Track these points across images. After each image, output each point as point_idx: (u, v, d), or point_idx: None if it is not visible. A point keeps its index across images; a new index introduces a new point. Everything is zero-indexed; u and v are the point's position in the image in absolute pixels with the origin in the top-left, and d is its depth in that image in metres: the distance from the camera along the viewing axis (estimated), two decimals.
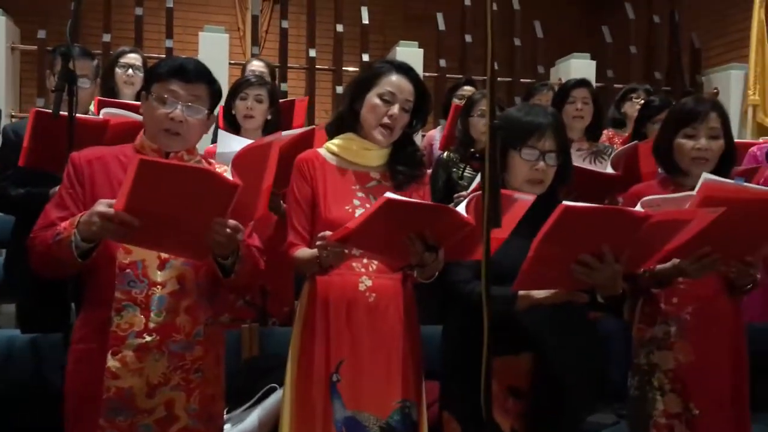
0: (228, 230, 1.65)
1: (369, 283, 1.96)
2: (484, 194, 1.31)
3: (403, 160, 2.07)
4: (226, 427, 2.11)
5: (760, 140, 3.70)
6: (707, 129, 2.11)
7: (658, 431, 2.05)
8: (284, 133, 2.43)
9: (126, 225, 1.59)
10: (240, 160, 1.99)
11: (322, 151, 2.09)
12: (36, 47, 5.21)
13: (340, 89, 5.65)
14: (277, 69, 5.73)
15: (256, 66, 3.93)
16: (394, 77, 2.03)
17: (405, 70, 2.06)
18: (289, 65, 5.93)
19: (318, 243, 1.81)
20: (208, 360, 1.83)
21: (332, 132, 2.12)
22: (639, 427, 2.11)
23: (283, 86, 5.50)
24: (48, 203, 1.83)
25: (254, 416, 2.16)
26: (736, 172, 2.47)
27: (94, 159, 1.84)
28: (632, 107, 3.94)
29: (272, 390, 2.23)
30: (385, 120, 2.01)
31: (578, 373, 1.92)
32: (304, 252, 1.97)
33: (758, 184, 2.40)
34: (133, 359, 1.73)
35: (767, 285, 2.51)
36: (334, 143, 2.08)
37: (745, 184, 1.91)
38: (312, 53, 5.99)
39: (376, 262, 1.97)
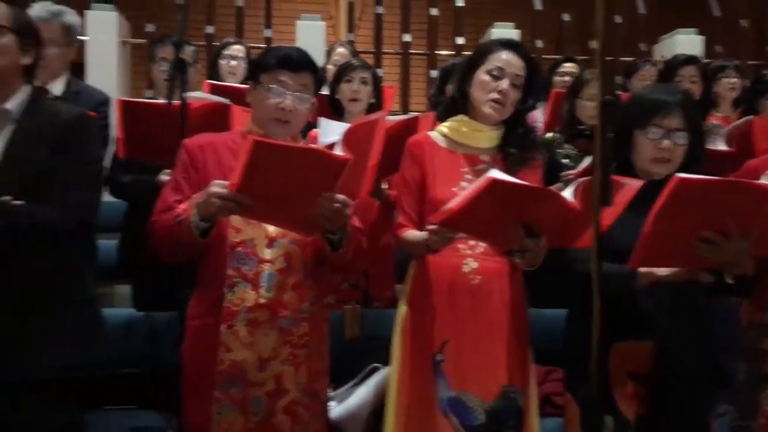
0: (336, 205, 1.69)
1: (474, 265, 1.96)
2: (595, 172, 1.28)
3: (515, 142, 2.05)
4: (331, 404, 2.16)
5: None
6: None
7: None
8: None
9: (240, 203, 1.65)
10: (349, 136, 2.03)
11: (432, 133, 2.10)
12: (145, 41, 5.47)
13: (434, 73, 5.62)
14: (372, 55, 5.81)
15: (341, 53, 3.97)
16: (503, 53, 2.01)
17: (514, 46, 2.04)
18: (383, 50, 5.97)
19: (428, 227, 1.83)
20: (313, 337, 1.88)
21: (443, 115, 2.12)
22: (747, 414, 2.01)
23: (378, 72, 5.53)
24: (164, 188, 1.93)
25: (360, 394, 2.20)
26: None
27: (205, 144, 1.92)
28: (723, 86, 3.75)
29: (375, 369, 2.27)
30: (495, 95, 1.99)
31: (699, 361, 1.85)
32: (413, 234, 1.99)
33: None
34: (245, 333, 1.81)
35: None
36: (445, 125, 2.08)
37: None
38: (406, 38, 5.99)
39: (483, 244, 1.96)
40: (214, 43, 5.12)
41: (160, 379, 2.50)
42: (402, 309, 2.06)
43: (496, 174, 1.64)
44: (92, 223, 1.91)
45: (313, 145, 1.87)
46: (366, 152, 1.91)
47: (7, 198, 1.66)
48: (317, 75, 1.94)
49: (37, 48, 1.87)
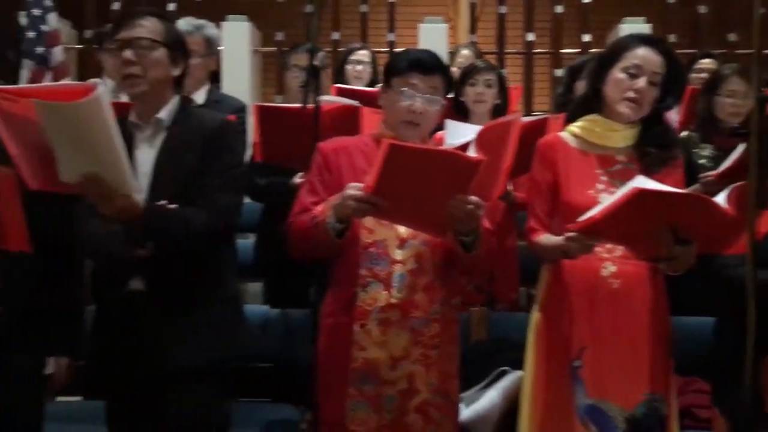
0: (469, 206, 1.69)
1: (613, 268, 1.90)
2: (750, 174, 1.21)
3: (653, 141, 1.96)
4: (459, 406, 2.17)
5: None
6: None
7: None
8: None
9: (374, 205, 1.69)
10: (483, 138, 2.03)
11: (564, 134, 2.05)
12: (275, 49, 5.70)
13: (559, 72, 5.49)
14: (495, 55, 5.75)
15: (465, 55, 3.95)
16: (641, 50, 1.93)
17: (653, 41, 1.95)
18: (505, 50, 5.89)
19: (566, 235, 1.80)
20: (444, 338, 1.89)
21: (574, 115, 2.07)
22: None
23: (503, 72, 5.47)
24: (301, 190, 2.00)
25: (489, 397, 2.19)
26: None
27: (339, 148, 1.98)
28: None
29: (504, 373, 2.25)
30: (630, 94, 1.92)
31: None
32: (547, 239, 1.96)
33: None
34: (378, 332, 1.85)
35: None
36: (577, 125, 2.03)
37: None
38: (530, 37, 5.89)
39: (621, 247, 1.90)
40: (339, 49, 5.25)
41: (293, 374, 2.61)
42: (535, 314, 2.02)
43: (642, 183, 1.58)
44: (236, 224, 2.01)
45: (447, 148, 1.88)
46: (499, 154, 1.91)
47: (162, 202, 1.79)
48: (448, 77, 1.96)
49: (185, 60, 1.98)
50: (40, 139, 1.61)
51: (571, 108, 2.13)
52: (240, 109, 3.01)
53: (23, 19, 4.64)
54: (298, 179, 2.62)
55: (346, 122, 2.48)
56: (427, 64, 1.90)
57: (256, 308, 2.97)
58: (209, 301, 1.91)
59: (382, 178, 1.64)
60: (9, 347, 1.79)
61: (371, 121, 2.45)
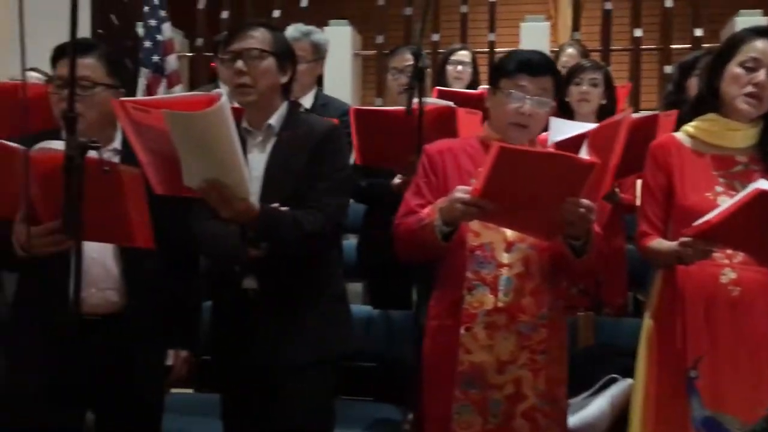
0: (582, 210, 1.66)
1: (732, 275, 1.81)
2: None
3: None
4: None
5: None
6: None
7: None
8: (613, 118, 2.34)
9: (483, 208, 1.68)
10: (594, 138, 1.98)
11: (678, 135, 1.98)
12: (375, 52, 5.78)
13: (668, 69, 5.28)
14: (599, 53, 5.59)
15: (570, 54, 3.86)
16: (759, 42, 1.84)
17: None
18: (611, 47, 5.72)
19: (682, 240, 1.73)
20: (552, 343, 1.86)
21: (689, 114, 2.00)
22: None
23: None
24: (406, 192, 2.01)
25: (599, 405, 2.14)
26: None
27: (444, 150, 1.98)
28: None
29: (614, 380, 2.19)
30: (749, 89, 1.83)
31: None
32: (660, 244, 1.89)
33: None
34: (484, 336, 1.84)
35: None
36: (693, 125, 1.95)
37: None
38: (637, 33, 5.69)
39: (741, 253, 1.82)
40: (439, 50, 5.26)
41: (395, 374, 2.63)
42: (647, 321, 1.96)
43: (766, 184, 1.50)
44: (343, 225, 2.05)
45: (559, 151, 1.85)
46: (608, 153, 1.85)
47: (275, 205, 1.86)
48: (557, 78, 1.92)
49: (293, 67, 2.04)
50: (167, 147, 1.69)
51: (685, 108, 2.05)
52: (345, 112, 3.05)
53: (140, 30, 4.91)
54: (397, 180, 2.64)
55: (443, 124, 2.48)
56: (536, 65, 1.87)
57: (359, 308, 3.01)
58: (318, 299, 1.97)
59: (491, 181, 1.63)
60: (136, 338, 1.90)
61: (467, 122, 2.44)
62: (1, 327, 2.05)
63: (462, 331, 1.85)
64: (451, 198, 1.74)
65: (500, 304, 1.84)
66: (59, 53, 1.90)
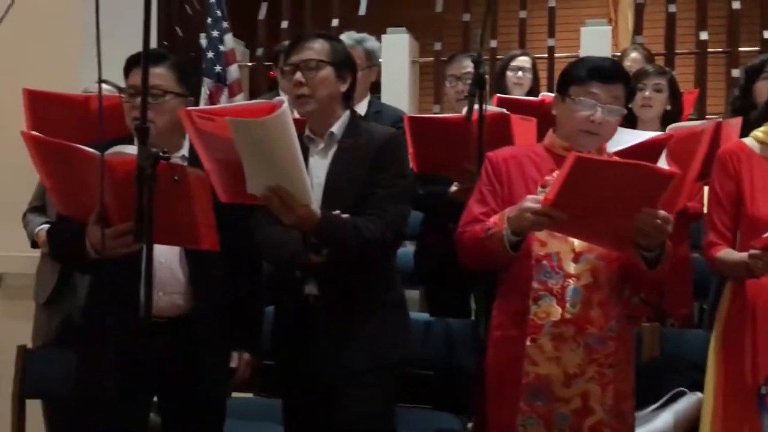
0: (658, 221, 1.61)
1: None
2: None
3: None
4: None
5: None
6: None
7: None
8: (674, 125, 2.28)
9: (554, 218, 1.65)
10: (674, 147, 1.94)
11: (747, 141, 1.92)
12: (432, 59, 5.75)
13: (736, 72, 5.11)
14: (663, 57, 5.45)
15: (633, 58, 3.77)
16: None
17: None
18: (676, 51, 5.56)
19: (750, 252, 1.68)
20: (620, 356, 1.82)
21: (758, 119, 1.93)
22: None
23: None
24: (470, 200, 1.99)
25: (665, 419, 2.07)
26: None
27: (509, 157, 1.95)
28: None
29: (682, 394, 2.12)
30: None
31: None
32: (729, 254, 1.84)
33: None
34: (550, 348, 1.80)
35: None
36: (762, 130, 1.90)
37: None
38: (703, 36, 5.52)
39: None
40: (497, 57, 5.21)
41: (454, 382, 2.61)
42: (715, 334, 1.89)
43: None
44: (404, 233, 2.05)
45: (638, 161, 1.79)
46: (688, 163, 1.80)
47: (336, 212, 1.86)
48: (629, 85, 1.88)
49: (353, 75, 2.05)
50: (231, 155, 1.72)
51: (754, 113, 1.98)
52: (400, 120, 3.05)
53: (203, 41, 5.02)
54: (453, 188, 2.62)
55: (499, 131, 2.45)
56: (608, 72, 1.84)
57: (417, 315, 3.01)
58: (378, 305, 1.97)
59: (564, 190, 1.59)
60: (200, 341, 1.93)
61: (522, 129, 2.40)
62: (74, 330, 2.11)
63: (528, 342, 1.82)
64: (520, 207, 1.71)
65: (568, 316, 1.80)
66: (132, 63, 1.96)
